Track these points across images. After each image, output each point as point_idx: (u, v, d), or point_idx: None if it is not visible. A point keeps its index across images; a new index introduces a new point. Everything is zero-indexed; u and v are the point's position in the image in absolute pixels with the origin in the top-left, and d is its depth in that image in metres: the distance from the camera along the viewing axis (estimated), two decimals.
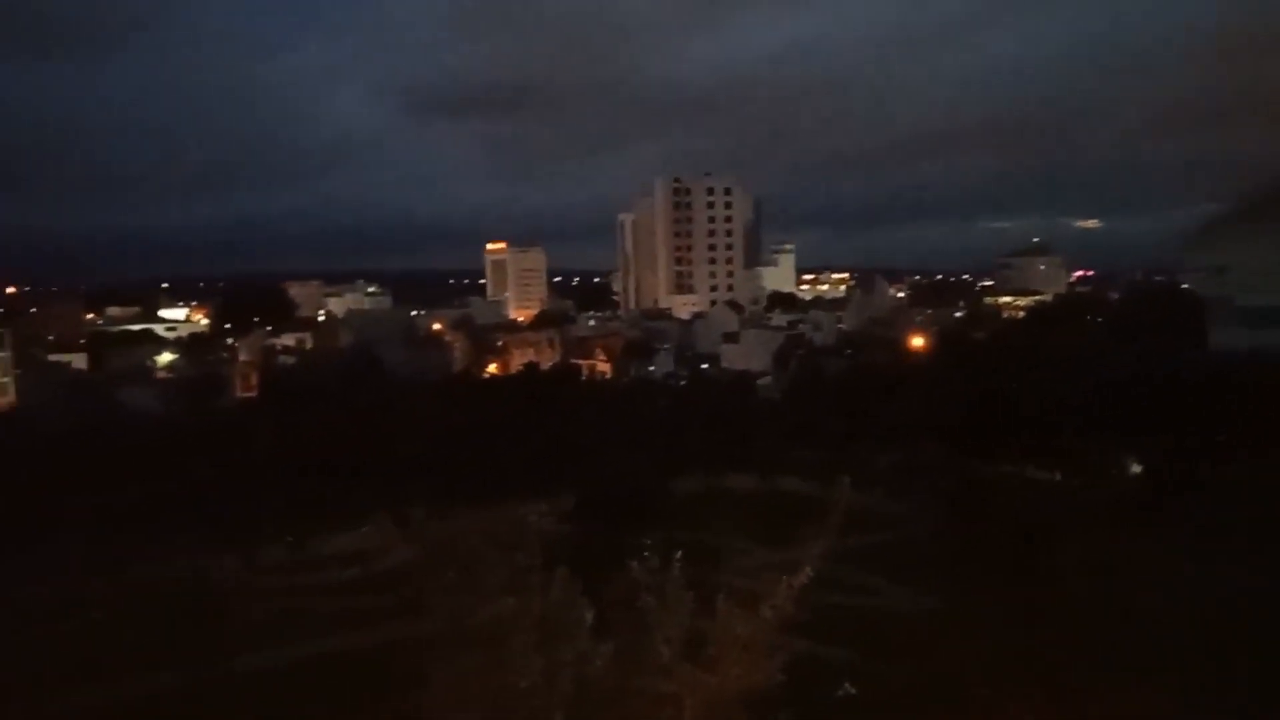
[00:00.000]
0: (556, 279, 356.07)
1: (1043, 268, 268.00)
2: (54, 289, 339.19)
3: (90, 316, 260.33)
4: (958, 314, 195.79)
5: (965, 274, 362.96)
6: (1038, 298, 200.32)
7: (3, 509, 63.46)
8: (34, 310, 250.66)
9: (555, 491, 63.12)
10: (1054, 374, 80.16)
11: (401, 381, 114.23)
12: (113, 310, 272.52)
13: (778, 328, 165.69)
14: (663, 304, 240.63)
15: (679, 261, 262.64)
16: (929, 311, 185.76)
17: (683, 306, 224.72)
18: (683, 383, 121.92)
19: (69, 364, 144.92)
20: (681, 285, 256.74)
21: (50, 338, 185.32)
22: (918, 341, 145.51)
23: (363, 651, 44.92)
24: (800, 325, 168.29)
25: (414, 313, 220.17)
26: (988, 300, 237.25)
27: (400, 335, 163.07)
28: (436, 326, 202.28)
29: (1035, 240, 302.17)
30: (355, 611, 51.23)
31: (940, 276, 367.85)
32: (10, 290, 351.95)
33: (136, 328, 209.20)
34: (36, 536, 63.21)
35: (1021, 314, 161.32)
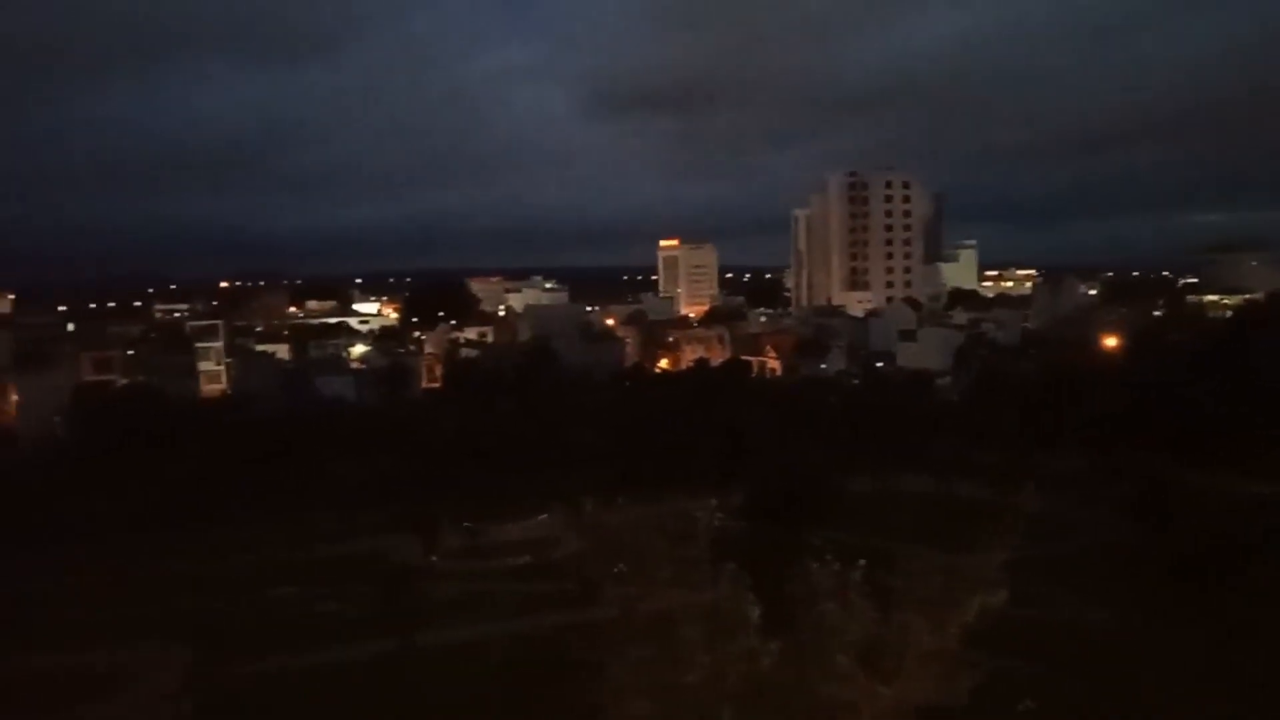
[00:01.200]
0: (728, 275, 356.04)
1: (1254, 264, 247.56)
2: (260, 283, 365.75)
3: (292, 310, 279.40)
4: (1156, 313, 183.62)
5: (1164, 271, 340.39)
6: (1248, 296, 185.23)
7: (219, 485, 69.16)
8: (245, 303, 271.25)
9: (724, 486, 63.26)
10: (1267, 379, 74.15)
11: (576, 375, 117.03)
12: (311, 304, 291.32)
13: (958, 326, 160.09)
14: (836, 301, 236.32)
15: (854, 257, 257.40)
16: (1123, 310, 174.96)
17: (857, 303, 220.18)
18: (856, 381, 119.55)
19: (273, 354, 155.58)
20: (856, 282, 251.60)
21: (257, 329, 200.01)
22: (1111, 342, 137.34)
23: (537, 635, 46.34)
24: (982, 324, 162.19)
25: (589, 308, 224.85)
26: (1190, 299, 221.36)
27: (575, 330, 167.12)
28: (610, 322, 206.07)
29: (1243, 236, 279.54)
30: (530, 597, 53.00)
31: (1136, 273, 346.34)
32: (223, 285, 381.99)
33: (333, 321, 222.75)
34: (246, 510, 68.69)
35: (1229, 314, 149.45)
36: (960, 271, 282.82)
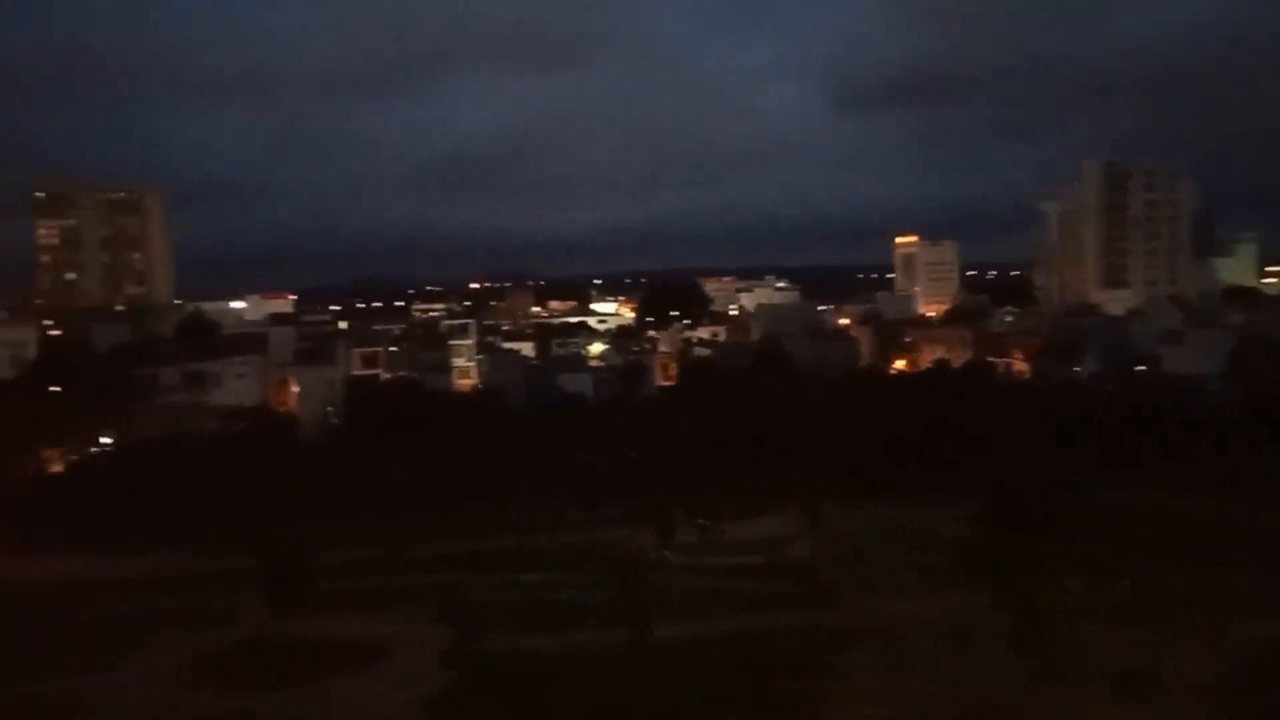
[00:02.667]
0: (970, 273, 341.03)
1: None
2: (508, 284, 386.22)
3: (536, 309, 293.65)
4: None
5: None
6: None
7: (476, 471, 73.84)
8: (493, 303, 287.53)
9: (964, 494, 60.96)
10: None
11: (808, 374, 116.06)
12: (554, 304, 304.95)
13: (1233, 326, 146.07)
14: (1092, 299, 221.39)
15: (1112, 253, 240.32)
16: None
17: (1114, 302, 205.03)
18: (1112, 386, 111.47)
19: (519, 351, 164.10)
20: (1113, 279, 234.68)
21: (505, 328, 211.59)
22: None
23: (769, 634, 46.73)
24: (1261, 325, 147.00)
25: (821, 307, 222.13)
26: None
27: (808, 329, 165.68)
28: (843, 321, 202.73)
29: None
30: (763, 596, 53.35)
31: None
32: (474, 286, 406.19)
33: (573, 320, 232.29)
34: (499, 496, 73.05)
35: None
36: (1237, 267, 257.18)
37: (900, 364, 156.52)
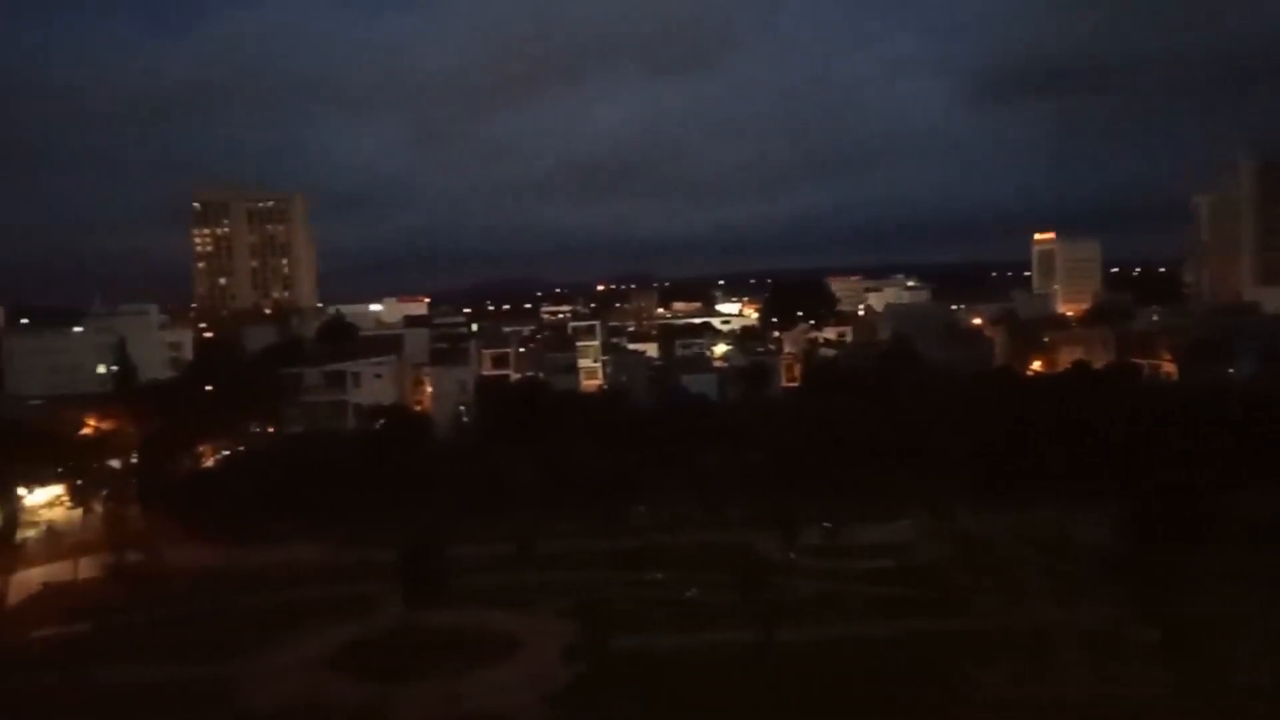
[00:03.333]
0: (1112, 270, 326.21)
1: None
2: (633, 285, 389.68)
3: (660, 310, 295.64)
4: None
5: None
6: None
7: (602, 471, 74.83)
8: (619, 305, 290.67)
9: (1102, 499, 58.54)
10: None
11: (938, 376, 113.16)
12: (678, 305, 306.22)
13: None
14: (1247, 296, 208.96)
15: (1267, 248, 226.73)
16: None
17: (1271, 299, 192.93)
18: (1269, 387, 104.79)
19: (643, 352, 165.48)
20: (1270, 275, 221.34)
21: (630, 329, 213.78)
22: None
23: (896, 640, 46.04)
24: None
25: (953, 307, 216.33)
26: None
27: (938, 330, 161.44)
28: (976, 321, 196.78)
29: None
30: (889, 601, 52.54)
31: None
32: (600, 287, 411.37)
33: (697, 321, 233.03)
34: (626, 495, 73.79)
35: None
36: None
37: (1037, 365, 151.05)
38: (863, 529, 65.41)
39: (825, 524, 64.20)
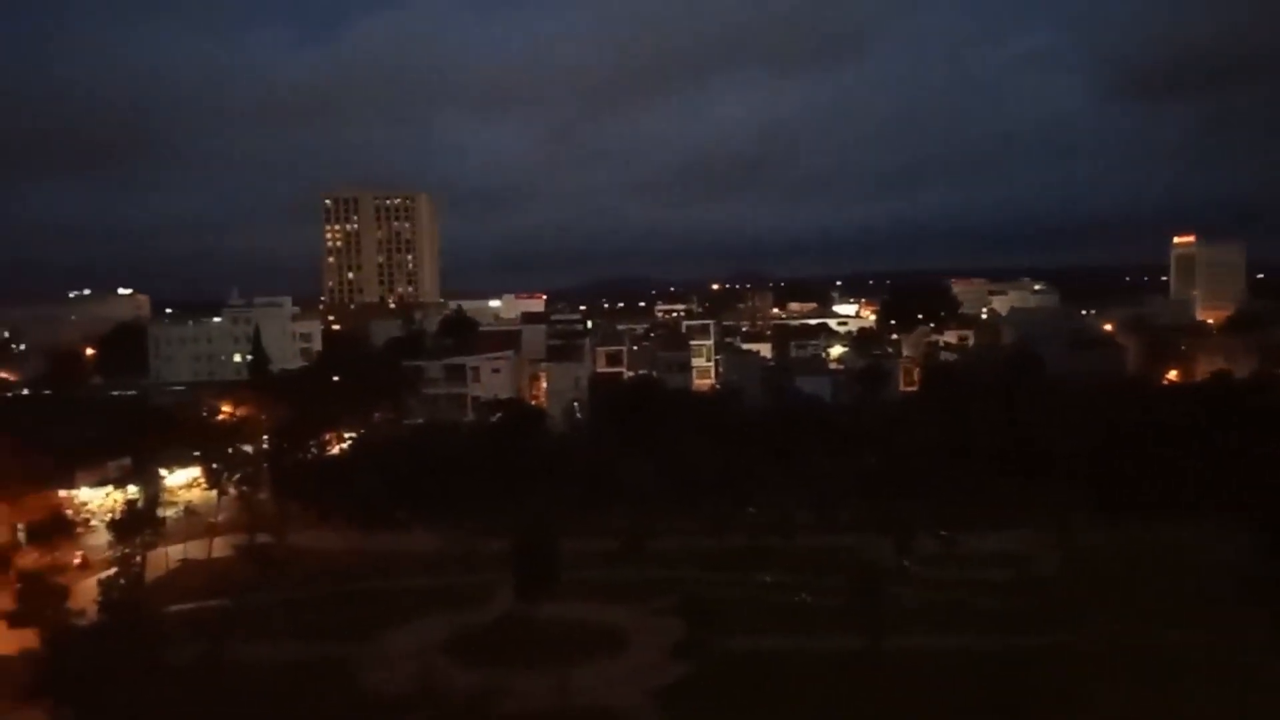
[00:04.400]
0: (1259, 275, 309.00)
1: None
2: (748, 285, 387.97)
3: (775, 311, 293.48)
4: None
5: None
6: None
7: (712, 469, 74.91)
8: (734, 304, 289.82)
9: (1239, 517, 55.64)
10: None
11: (1064, 384, 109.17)
12: (793, 305, 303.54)
13: None
14: None
15: None
16: None
17: None
18: None
19: (757, 352, 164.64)
20: None
21: (743, 329, 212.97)
22: None
23: (1010, 654, 44.68)
24: None
25: (1083, 312, 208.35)
26: None
27: (1066, 335, 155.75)
28: (1107, 327, 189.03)
29: None
30: (1006, 613, 51.04)
31: None
32: (714, 287, 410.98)
33: (813, 322, 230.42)
34: (735, 495, 73.65)
35: None
36: None
37: (1172, 375, 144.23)
38: (980, 538, 63.76)
39: (941, 532, 62.78)
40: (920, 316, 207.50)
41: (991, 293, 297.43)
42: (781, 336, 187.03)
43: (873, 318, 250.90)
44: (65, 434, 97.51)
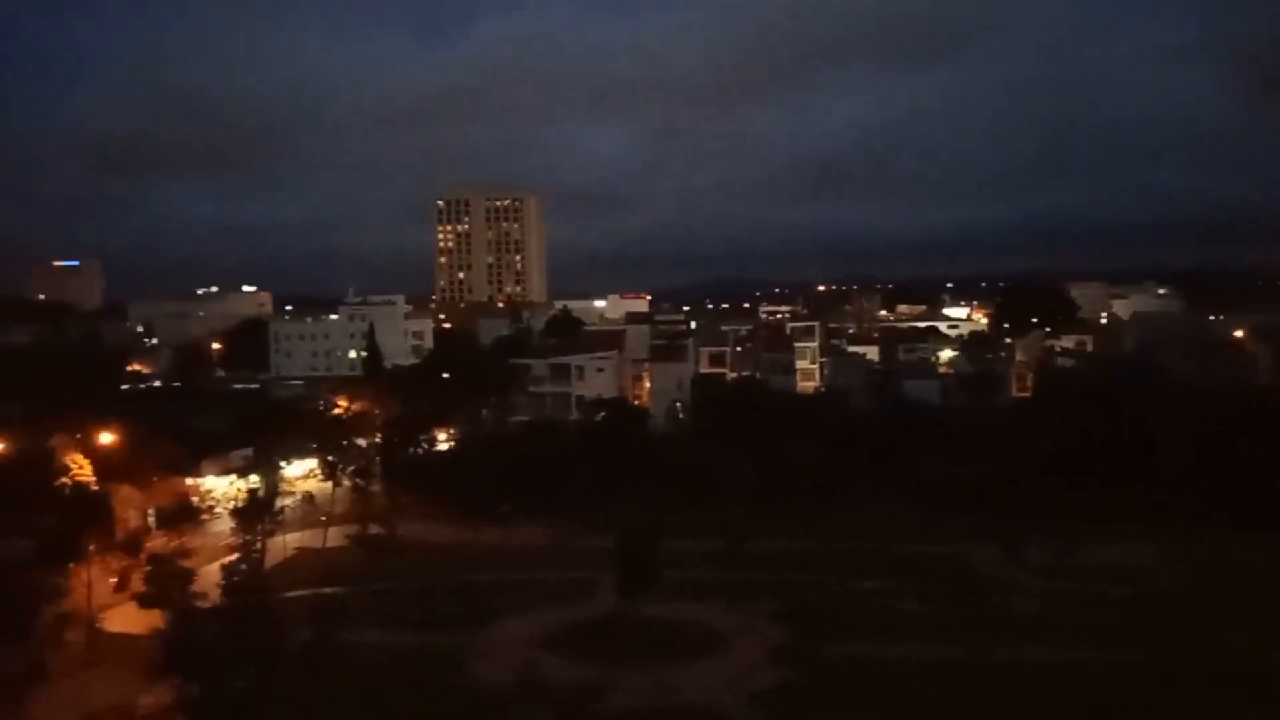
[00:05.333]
0: None
1: None
2: (854, 287, 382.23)
3: (883, 313, 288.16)
4: None
5: None
6: None
7: (819, 473, 74.35)
8: (841, 306, 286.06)
9: None
10: None
11: (1189, 393, 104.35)
12: (902, 307, 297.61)
13: None
14: None
15: None
16: None
17: None
18: None
19: (864, 355, 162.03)
20: None
21: (850, 331, 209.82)
22: None
23: (1119, 667, 43.26)
24: None
25: (1210, 317, 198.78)
26: None
27: (1191, 342, 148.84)
28: (1237, 333, 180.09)
29: None
30: (1121, 628, 49.27)
31: None
32: (820, 288, 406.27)
33: (922, 325, 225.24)
34: (840, 500, 72.96)
35: None
36: None
37: None
38: (1095, 549, 61.57)
39: (1052, 542, 60.86)
40: (1035, 320, 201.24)
41: (1112, 296, 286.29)
42: (889, 339, 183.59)
43: (985, 321, 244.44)
44: (192, 425, 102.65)
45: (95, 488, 62.35)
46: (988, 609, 46.37)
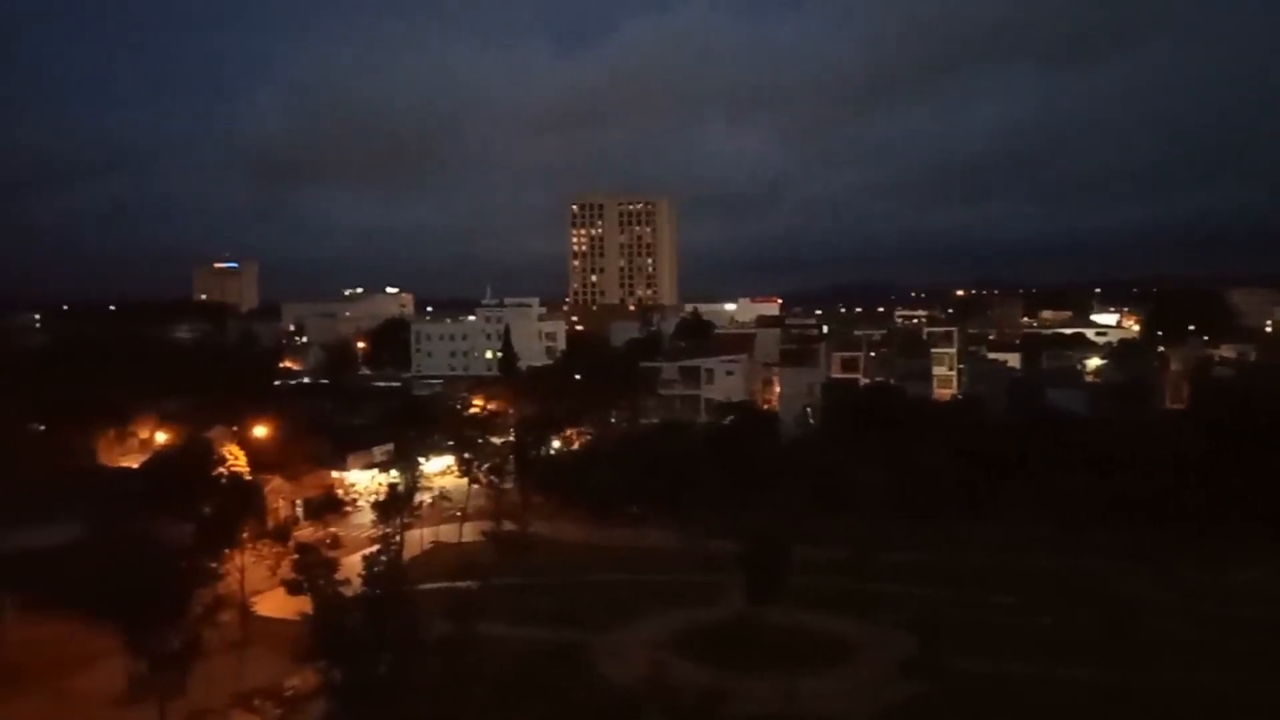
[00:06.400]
0: None
1: None
2: (995, 292, 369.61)
3: (1025, 319, 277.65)
4: None
5: None
6: None
7: (952, 482, 72.28)
8: (979, 311, 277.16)
9: None
10: None
11: None
12: (1046, 314, 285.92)
13: None
14: None
15: None
16: None
17: None
18: None
19: (1004, 362, 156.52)
20: None
21: (990, 337, 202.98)
22: None
23: (1271, 697, 40.65)
24: None
25: None
26: None
27: None
28: None
29: None
30: (1264, 653, 46.11)
31: None
32: (959, 293, 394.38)
33: (1068, 331, 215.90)
34: (974, 510, 70.74)
35: None
36: None
37: None
38: (1249, 573, 57.92)
39: (1206, 562, 57.56)
40: (1191, 328, 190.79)
41: (1278, 303, 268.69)
42: (1032, 346, 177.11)
43: (1136, 328, 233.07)
44: (339, 420, 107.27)
45: (249, 478, 65.75)
46: (1129, 629, 44.12)
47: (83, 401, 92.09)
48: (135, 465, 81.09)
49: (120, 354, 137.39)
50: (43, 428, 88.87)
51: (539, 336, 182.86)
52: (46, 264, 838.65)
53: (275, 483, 72.87)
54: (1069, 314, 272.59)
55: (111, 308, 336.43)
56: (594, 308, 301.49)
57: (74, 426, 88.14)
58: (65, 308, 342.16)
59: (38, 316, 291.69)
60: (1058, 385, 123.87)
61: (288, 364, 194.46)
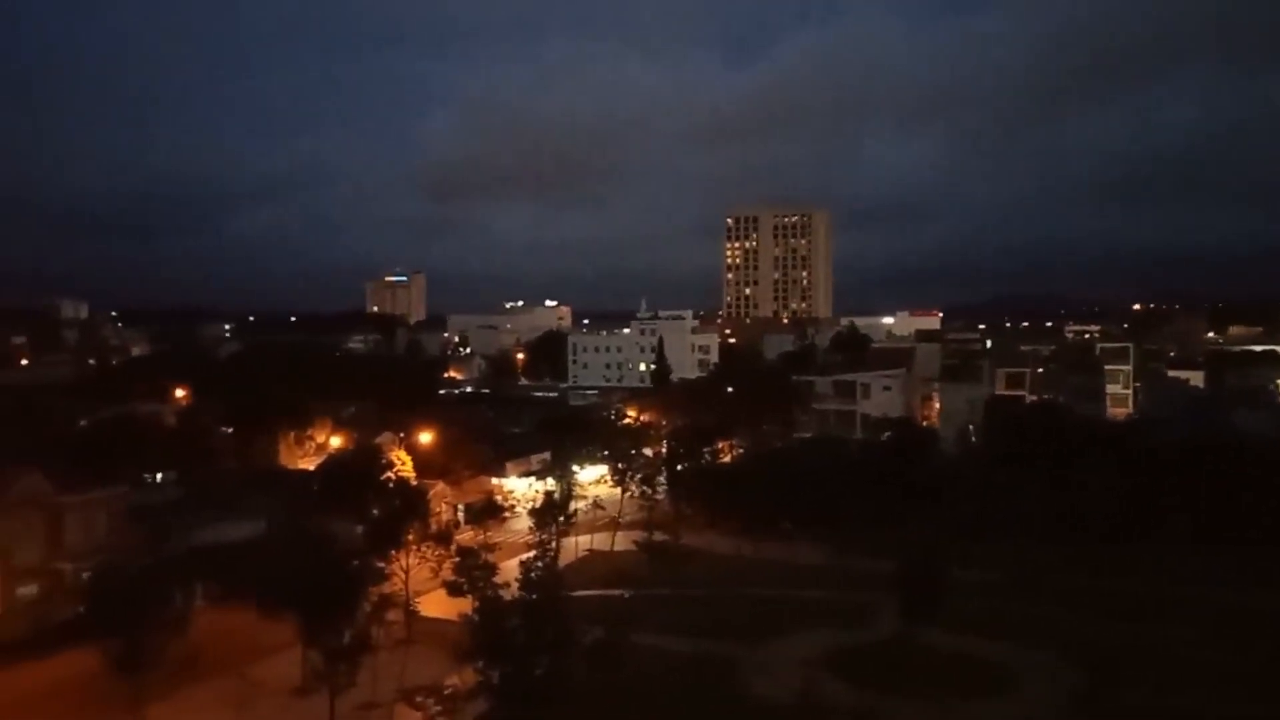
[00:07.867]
0: None
1: None
2: (1176, 306, 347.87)
3: (1211, 335, 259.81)
4: None
5: None
6: None
7: (1121, 506, 68.53)
8: (1158, 327, 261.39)
9: None
10: None
11: None
12: (1234, 329, 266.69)
13: None
14: None
15: None
16: None
17: None
18: None
19: (1186, 381, 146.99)
20: None
21: (1170, 354, 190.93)
22: None
23: None
24: None
25: None
26: None
27: None
28: None
29: None
30: None
31: None
32: (1136, 307, 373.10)
33: (1259, 349, 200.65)
34: (1145, 534, 66.67)
35: None
36: None
37: None
38: None
39: None
40: None
41: None
42: (1217, 363, 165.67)
43: None
44: (499, 429, 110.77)
45: (415, 483, 68.68)
46: None
47: (266, 406, 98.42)
48: (312, 467, 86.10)
49: (299, 362, 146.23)
50: (230, 430, 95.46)
51: (692, 349, 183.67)
52: (238, 277, 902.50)
53: (439, 487, 75.85)
54: (1260, 330, 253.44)
55: (293, 318, 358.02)
56: (747, 320, 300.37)
57: (258, 429, 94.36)
58: (252, 318, 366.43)
59: (228, 327, 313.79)
60: (1247, 405, 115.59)
61: (452, 373, 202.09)
